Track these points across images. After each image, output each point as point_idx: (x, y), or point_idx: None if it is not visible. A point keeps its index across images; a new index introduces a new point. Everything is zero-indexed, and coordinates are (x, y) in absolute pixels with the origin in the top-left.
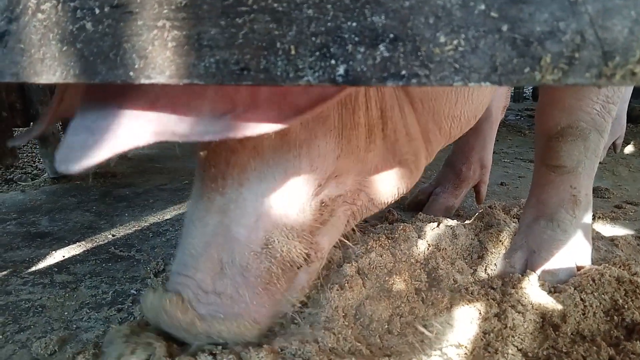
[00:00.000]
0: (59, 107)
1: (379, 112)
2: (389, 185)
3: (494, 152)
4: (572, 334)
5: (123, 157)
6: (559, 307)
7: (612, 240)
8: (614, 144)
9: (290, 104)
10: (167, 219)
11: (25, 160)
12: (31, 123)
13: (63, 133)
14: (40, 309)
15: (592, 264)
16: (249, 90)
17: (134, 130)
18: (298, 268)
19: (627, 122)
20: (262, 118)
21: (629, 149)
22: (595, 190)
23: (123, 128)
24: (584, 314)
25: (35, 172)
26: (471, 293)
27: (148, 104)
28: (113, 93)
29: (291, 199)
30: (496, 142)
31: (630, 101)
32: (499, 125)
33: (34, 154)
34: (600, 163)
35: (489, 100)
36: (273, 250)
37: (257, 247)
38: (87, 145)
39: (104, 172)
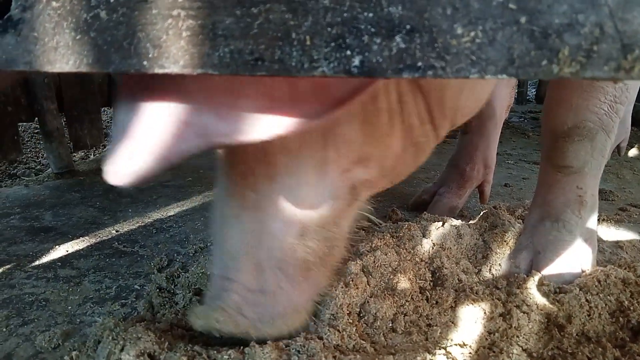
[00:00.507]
0: None
1: (397, 96)
2: (406, 167)
3: (497, 154)
4: (577, 335)
5: None
6: (564, 307)
7: (617, 242)
8: (618, 146)
9: (330, 95)
10: (171, 215)
11: (29, 155)
12: (36, 118)
13: (67, 129)
14: (44, 302)
15: (597, 265)
16: (288, 86)
17: (181, 137)
18: (332, 253)
19: (632, 125)
20: (303, 113)
21: (634, 152)
22: (600, 192)
23: (174, 137)
24: (589, 315)
25: (38, 167)
26: (476, 293)
27: (191, 108)
28: (152, 93)
29: (323, 188)
30: (500, 143)
31: (635, 104)
32: (503, 127)
33: (37, 149)
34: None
35: (491, 91)
36: (309, 240)
37: (294, 239)
38: (135, 155)
39: None
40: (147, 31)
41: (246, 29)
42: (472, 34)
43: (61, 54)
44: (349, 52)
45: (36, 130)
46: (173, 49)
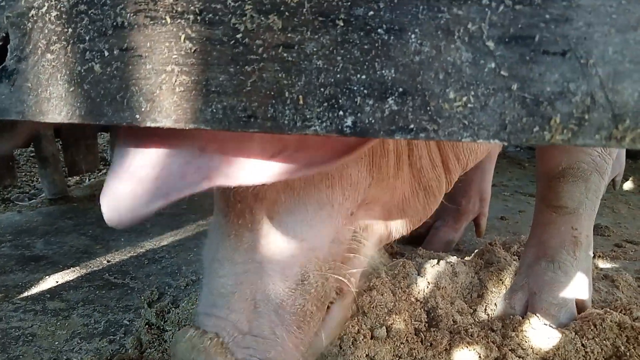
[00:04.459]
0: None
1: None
2: (415, 212)
3: (493, 185)
4: None
5: None
6: (560, 352)
7: (613, 281)
8: (613, 180)
9: (341, 141)
10: (164, 245)
11: (24, 179)
12: (31, 143)
13: (63, 153)
14: (30, 337)
15: (593, 306)
16: None
17: (186, 177)
18: (331, 303)
19: (626, 158)
20: (313, 157)
21: (628, 185)
22: (595, 228)
23: (175, 176)
24: None
25: (33, 191)
26: (471, 335)
27: (198, 149)
28: (156, 136)
29: (325, 231)
30: (496, 174)
31: None
32: (499, 157)
33: (32, 174)
34: None
35: None
36: (308, 285)
37: (293, 284)
38: (137, 194)
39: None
40: (140, 85)
41: (239, 86)
42: (464, 98)
43: (54, 104)
44: (341, 113)
45: (32, 154)
46: (166, 103)
